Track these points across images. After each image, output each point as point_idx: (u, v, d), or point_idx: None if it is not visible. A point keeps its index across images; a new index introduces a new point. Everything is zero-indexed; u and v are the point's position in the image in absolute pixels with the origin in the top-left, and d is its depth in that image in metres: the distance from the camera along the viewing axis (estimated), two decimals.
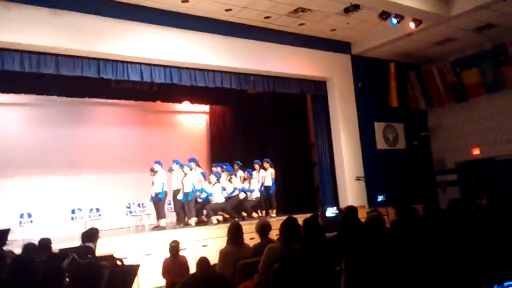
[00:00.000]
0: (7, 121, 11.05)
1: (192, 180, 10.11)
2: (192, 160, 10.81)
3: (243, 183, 11.01)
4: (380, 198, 9.53)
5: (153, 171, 10.27)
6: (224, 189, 10.45)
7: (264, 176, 11.16)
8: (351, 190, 11.63)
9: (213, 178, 10.42)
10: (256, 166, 11.22)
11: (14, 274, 3.25)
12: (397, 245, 3.47)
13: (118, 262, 4.62)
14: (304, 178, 13.23)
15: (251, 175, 11.10)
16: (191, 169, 10.28)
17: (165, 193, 10.21)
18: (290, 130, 13.36)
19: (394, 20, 9.84)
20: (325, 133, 12.18)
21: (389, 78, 12.85)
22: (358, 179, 11.61)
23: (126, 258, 7.33)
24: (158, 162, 10.35)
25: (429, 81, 13.11)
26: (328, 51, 11.74)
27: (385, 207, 8.86)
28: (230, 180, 10.60)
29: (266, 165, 11.24)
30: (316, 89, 12.01)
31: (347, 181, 11.70)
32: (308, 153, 13.41)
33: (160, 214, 10.12)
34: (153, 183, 10.29)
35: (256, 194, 10.95)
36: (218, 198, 10.26)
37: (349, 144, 11.95)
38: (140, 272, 7.21)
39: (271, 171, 11.17)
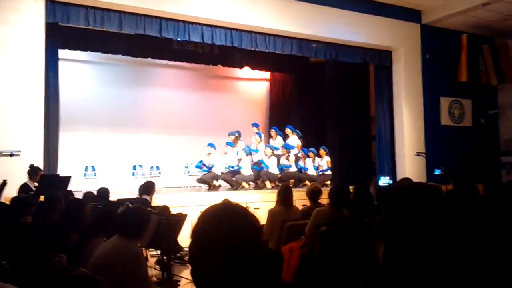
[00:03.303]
0: (75, 77, 11.54)
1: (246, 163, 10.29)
2: (254, 125, 11.06)
3: (298, 161, 10.98)
4: (437, 171, 9.10)
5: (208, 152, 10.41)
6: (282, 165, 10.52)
7: (320, 165, 11.06)
8: (410, 166, 11.24)
9: (268, 151, 10.49)
10: (311, 154, 11.13)
11: (69, 214, 3.44)
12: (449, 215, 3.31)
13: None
14: (361, 151, 12.95)
15: (306, 154, 11.04)
16: (246, 154, 10.40)
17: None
18: (350, 101, 13.04)
19: None
20: (387, 106, 11.77)
21: (460, 51, 12.13)
22: (418, 154, 11.20)
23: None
24: (211, 145, 10.40)
25: (503, 56, 12.23)
26: (396, 19, 11.21)
27: (444, 184, 8.50)
28: (287, 158, 10.61)
29: (322, 152, 11.12)
30: (381, 59, 11.56)
31: (406, 157, 11.32)
32: (367, 126, 13.09)
33: (203, 181, 10.30)
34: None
35: (311, 172, 10.89)
36: (273, 170, 10.33)
37: (411, 118, 11.51)
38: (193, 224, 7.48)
39: (326, 159, 11.05)
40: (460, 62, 12.14)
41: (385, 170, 11.52)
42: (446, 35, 11.98)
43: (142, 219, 2.96)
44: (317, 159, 11.17)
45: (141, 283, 2.92)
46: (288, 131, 11.32)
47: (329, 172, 11.03)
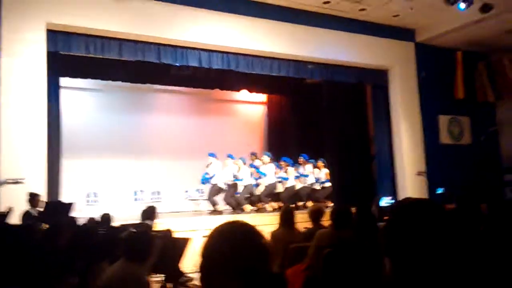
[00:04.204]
0: (76, 105, 11.62)
1: (245, 174, 10.33)
2: (252, 154, 11.06)
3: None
4: (440, 190, 9.10)
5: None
6: (280, 181, 10.52)
7: (319, 177, 11.07)
8: (411, 185, 11.20)
9: (266, 158, 10.52)
10: (311, 165, 11.18)
11: (76, 240, 3.46)
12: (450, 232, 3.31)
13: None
14: (361, 171, 12.93)
15: (307, 160, 11.09)
16: (244, 163, 10.46)
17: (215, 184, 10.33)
18: (348, 121, 13.04)
19: (462, 5, 9.12)
20: (385, 125, 11.83)
21: (455, 68, 12.24)
22: (419, 174, 11.21)
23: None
24: (211, 154, 10.51)
25: (499, 72, 12.33)
26: (390, 38, 11.36)
27: (446, 203, 8.47)
28: (286, 171, 10.64)
29: (320, 164, 11.12)
30: (377, 79, 11.68)
31: (407, 176, 11.30)
32: (366, 146, 13.10)
33: (212, 201, 10.30)
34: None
35: (311, 180, 10.90)
36: (270, 179, 10.34)
37: (410, 138, 11.54)
38: (196, 249, 7.46)
39: (325, 172, 11.05)
40: (456, 79, 12.24)
41: (386, 190, 11.49)
42: (440, 52, 12.08)
43: (147, 243, 2.99)
44: (316, 171, 11.16)
45: None
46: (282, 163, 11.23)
47: (328, 184, 11.00)
